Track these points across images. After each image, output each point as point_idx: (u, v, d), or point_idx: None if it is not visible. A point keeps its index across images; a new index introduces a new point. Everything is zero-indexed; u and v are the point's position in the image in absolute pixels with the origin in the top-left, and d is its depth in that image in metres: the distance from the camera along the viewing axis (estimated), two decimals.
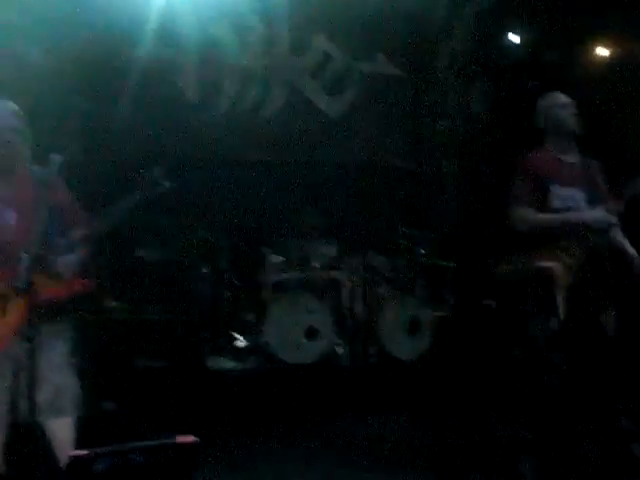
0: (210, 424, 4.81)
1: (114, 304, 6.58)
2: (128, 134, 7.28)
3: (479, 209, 7.38)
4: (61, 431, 3.70)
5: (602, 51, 7.92)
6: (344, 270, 6.87)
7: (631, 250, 4.20)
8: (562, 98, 4.35)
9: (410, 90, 8.34)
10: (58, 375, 3.64)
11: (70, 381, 3.73)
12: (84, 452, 3.37)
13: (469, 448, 4.76)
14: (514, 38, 8.04)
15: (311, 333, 6.41)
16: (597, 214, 4.11)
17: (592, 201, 4.19)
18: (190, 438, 3.31)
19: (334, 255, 6.94)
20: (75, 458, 3.29)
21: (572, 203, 4.15)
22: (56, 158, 3.41)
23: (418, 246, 7.15)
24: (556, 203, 4.13)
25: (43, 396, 3.40)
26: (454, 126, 8.25)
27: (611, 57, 7.89)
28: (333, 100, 8.21)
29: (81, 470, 3.21)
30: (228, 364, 6.47)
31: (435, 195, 8.12)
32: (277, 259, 6.87)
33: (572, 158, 4.30)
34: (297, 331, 6.39)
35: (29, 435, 3.38)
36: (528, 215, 4.16)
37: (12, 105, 3.67)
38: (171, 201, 4.36)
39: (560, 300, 3.91)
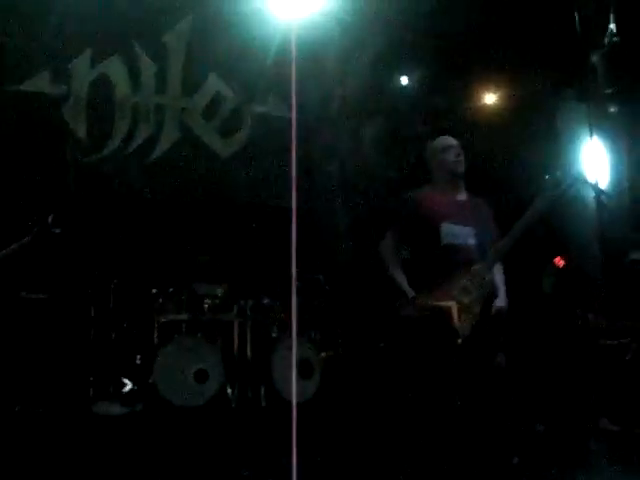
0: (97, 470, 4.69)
1: None
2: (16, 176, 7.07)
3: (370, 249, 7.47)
4: None
5: (491, 95, 8.28)
6: (235, 312, 6.82)
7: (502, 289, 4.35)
8: (448, 140, 4.46)
9: (302, 131, 8.40)
10: None
11: None
12: None
13: None
14: (405, 82, 8.30)
15: (200, 376, 6.33)
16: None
17: (481, 237, 4.27)
18: None
19: (225, 297, 6.88)
20: None
21: (461, 240, 4.21)
22: None
23: (312, 287, 7.20)
24: (446, 239, 4.20)
25: None
26: (345, 167, 8.39)
27: (500, 100, 8.25)
28: (225, 141, 8.22)
29: None
30: (115, 409, 6.30)
31: (328, 236, 8.19)
32: (167, 300, 6.76)
33: (460, 196, 4.40)
34: (186, 374, 6.31)
35: None
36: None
37: None
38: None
39: (457, 340, 3.98)
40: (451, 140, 4.47)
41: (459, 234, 4.21)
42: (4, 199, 6.81)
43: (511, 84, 8.16)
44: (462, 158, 4.38)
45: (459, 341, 3.96)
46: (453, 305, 4.01)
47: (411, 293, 4.13)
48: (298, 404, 6.38)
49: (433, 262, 4.18)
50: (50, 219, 3.69)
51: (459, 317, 4.01)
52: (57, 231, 3.69)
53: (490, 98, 8.35)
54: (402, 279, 4.21)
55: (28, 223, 3.63)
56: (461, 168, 4.38)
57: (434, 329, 4.01)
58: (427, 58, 8.14)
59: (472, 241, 4.23)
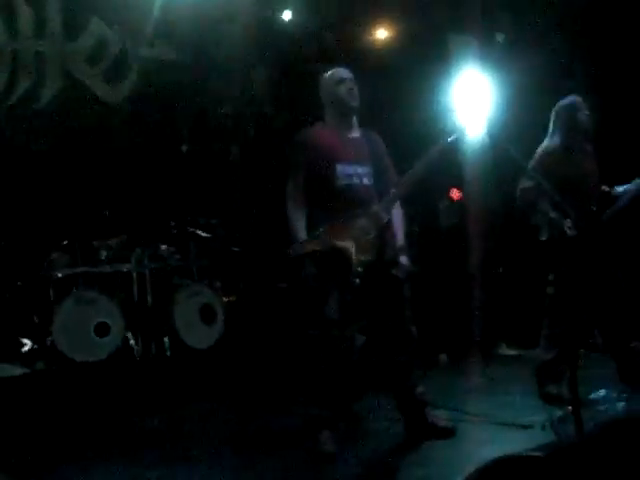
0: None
1: None
2: None
3: (268, 193, 7.43)
4: None
5: (381, 33, 8.24)
6: (133, 262, 6.69)
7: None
8: (341, 73, 4.33)
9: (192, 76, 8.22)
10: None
11: None
12: None
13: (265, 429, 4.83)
14: (289, 17, 8.14)
15: (101, 329, 6.22)
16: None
17: (378, 175, 4.25)
18: None
19: (121, 247, 6.73)
20: None
21: (356, 180, 4.17)
22: None
23: (210, 233, 7.13)
24: (340, 180, 4.15)
25: None
26: (239, 112, 8.27)
27: (392, 35, 8.21)
28: (112, 87, 7.95)
29: None
30: (15, 370, 6.12)
31: (223, 181, 8.09)
32: (61, 255, 6.57)
33: (354, 133, 4.32)
34: (86, 328, 6.18)
35: None
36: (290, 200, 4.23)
37: None
38: None
39: (355, 279, 4.01)
40: (344, 72, 4.34)
41: (354, 174, 4.18)
42: None
43: (403, 18, 8.09)
44: (356, 91, 4.28)
45: (356, 280, 4.00)
46: (351, 244, 4.02)
47: (302, 238, 4.11)
48: (202, 350, 6.51)
49: (330, 204, 4.14)
50: None
51: (357, 256, 4.03)
52: None
53: (382, 33, 8.28)
54: (299, 226, 4.14)
55: None
56: (355, 102, 4.27)
57: (331, 267, 4.03)
58: None
59: (367, 181, 4.21)
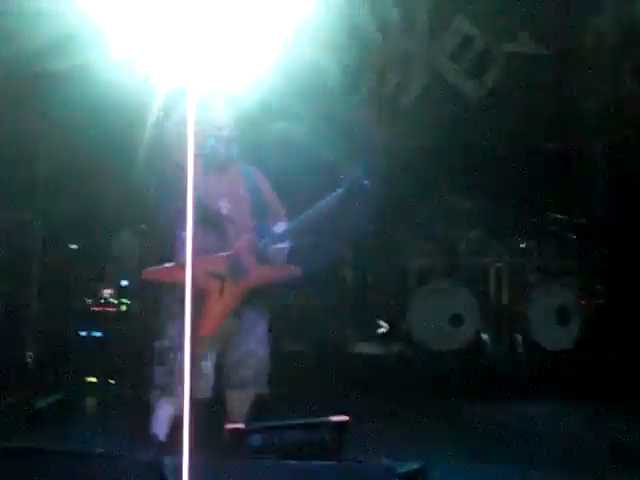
0: None
1: None
2: None
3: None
4: (244, 403, 3.90)
5: None
6: (492, 256, 6.68)
7: None
8: None
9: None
10: (262, 351, 3.93)
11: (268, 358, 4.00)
12: (241, 426, 3.43)
13: None
14: None
15: (456, 320, 6.33)
16: None
17: None
18: (345, 418, 3.36)
19: (482, 241, 6.77)
20: (231, 431, 3.34)
21: None
22: None
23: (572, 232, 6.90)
24: None
25: (246, 371, 3.83)
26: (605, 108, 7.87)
27: None
28: (474, 82, 8.01)
29: (236, 443, 3.26)
30: (371, 349, 6.43)
31: (585, 179, 7.75)
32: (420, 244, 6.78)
33: None
34: (441, 318, 6.33)
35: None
36: None
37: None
38: None
39: None
40: None
41: None
42: None
43: None
44: None
45: None
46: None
47: None
48: (556, 352, 6.29)
49: None
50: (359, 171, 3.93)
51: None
52: (366, 183, 3.90)
53: None
54: None
55: None
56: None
57: None
58: None
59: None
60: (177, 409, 3.57)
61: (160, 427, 3.74)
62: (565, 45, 7.90)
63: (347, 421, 3.46)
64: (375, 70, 7.84)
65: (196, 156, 3.61)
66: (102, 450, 3.38)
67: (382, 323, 6.75)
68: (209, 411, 3.76)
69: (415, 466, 3.47)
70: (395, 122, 7.73)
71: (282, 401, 5.08)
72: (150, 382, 3.85)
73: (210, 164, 3.88)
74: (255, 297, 3.85)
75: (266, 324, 3.99)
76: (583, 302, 6.81)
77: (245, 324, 3.84)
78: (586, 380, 5.79)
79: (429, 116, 7.74)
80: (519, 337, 6.49)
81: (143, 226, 6.12)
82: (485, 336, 6.48)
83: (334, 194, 3.85)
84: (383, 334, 6.65)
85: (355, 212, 4.52)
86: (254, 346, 3.88)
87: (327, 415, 3.43)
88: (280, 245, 3.89)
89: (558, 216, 6.95)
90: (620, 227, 7.06)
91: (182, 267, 3.22)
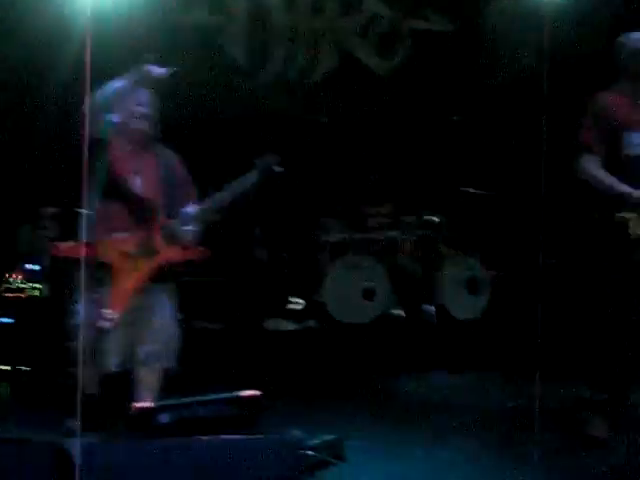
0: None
1: None
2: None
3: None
4: (152, 379, 3.93)
5: None
6: (402, 230, 6.81)
7: None
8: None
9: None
10: (170, 327, 3.96)
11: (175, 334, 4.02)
12: (148, 404, 3.42)
13: None
14: None
15: (368, 294, 6.41)
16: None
17: None
18: (256, 392, 3.38)
19: (391, 215, 6.86)
20: (138, 409, 3.34)
21: None
22: None
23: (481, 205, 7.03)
24: (630, 149, 3.90)
25: (153, 346, 3.83)
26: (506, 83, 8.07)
27: None
28: (384, 59, 8.09)
29: (144, 421, 3.26)
30: (288, 325, 6.47)
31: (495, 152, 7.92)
32: (333, 220, 6.83)
33: None
34: (354, 292, 6.41)
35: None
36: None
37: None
38: None
39: None
40: None
41: None
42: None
43: None
44: None
45: None
46: None
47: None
48: (466, 322, 6.45)
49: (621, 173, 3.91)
50: (271, 159, 4.03)
51: None
52: (278, 170, 4.01)
53: None
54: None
55: None
56: None
57: None
58: None
59: None
60: (87, 386, 3.67)
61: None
62: (470, 21, 8.05)
63: (259, 396, 3.47)
64: (284, 49, 7.87)
65: (116, 133, 3.75)
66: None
67: (296, 299, 6.80)
68: (120, 388, 3.84)
69: (329, 438, 3.53)
70: (304, 100, 7.77)
71: (194, 379, 5.13)
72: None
73: (130, 142, 3.93)
74: (164, 276, 3.88)
75: (174, 302, 4.00)
76: (493, 273, 6.96)
77: (153, 301, 3.87)
78: (496, 349, 5.97)
79: (337, 93, 7.81)
80: (431, 308, 6.63)
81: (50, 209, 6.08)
82: (397, 308, 6.59)
83: (246, 177, 3.93)
84: (297, 310, 6.69)
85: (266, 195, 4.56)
86: (161, 322, 3.90)
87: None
88: (190, 226, 3.91)
89: (467, 189, 7.07)
90: (527, 200, 7.25)
91: (91, 243, 3.41)
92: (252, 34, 7.77)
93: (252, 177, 3.93)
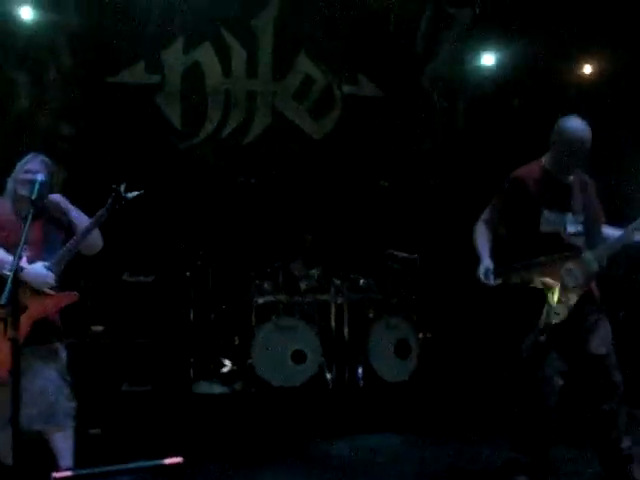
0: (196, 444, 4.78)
1: None
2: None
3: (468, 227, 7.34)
4: (59, 442, 3.90)
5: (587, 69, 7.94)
6: (332, 293, 6.80)
7: None
8: (585, 137, 4.04)
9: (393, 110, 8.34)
10: (53, 389, 3.87)
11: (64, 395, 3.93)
12: (67, 473, 3.32)
13: None
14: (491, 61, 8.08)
15: (298, 356, 6.36)
16: None
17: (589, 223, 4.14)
18: (179, 460, 3.30)
19: (321, 278, 6.86)
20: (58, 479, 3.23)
21: (561, 227, 4.07)
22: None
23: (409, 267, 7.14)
24: (545, 227, 4.05)
25: (32, 409, 3.71)
26: (440, 146, 8.28)
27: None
28: (317, 123, 8.23)
29: None
30: (215, 388, 6.38)
31: (424, 216, 8.07)
32: (264, 282, 6.80)
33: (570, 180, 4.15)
34: (284, 354, 6.36)
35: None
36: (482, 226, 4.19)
37: None
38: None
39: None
40: (587, 136, 4.04)
41: (559, 221, 4.07)
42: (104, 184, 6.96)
43: (608, 53, 7.67)
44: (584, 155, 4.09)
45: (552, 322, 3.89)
46: (556, 285, 3.93)
47: (488, 263, 4.03)
48: (395, 384, 6.47)
49: (532, 249, 4.05)
50: (122, 187, 3.92)
51: (560, 297, 3.92)
52: (130, 196, 3.91)
53: (587, 69, 7.92)
54: (484, 249, 4.09)
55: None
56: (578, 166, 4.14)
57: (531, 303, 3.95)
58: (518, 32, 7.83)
59: (572, 229, 4.08)
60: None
61: None
62: (401, 88, 8.27)
63: (181, 463, 3.40)
64: (219, 109, 7.95)
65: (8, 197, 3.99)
66: None
67: (226, 361, 6.73)
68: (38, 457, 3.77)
69: None
70: (237, 161, 7.83)
71: (118, 444, 5.03)
72: None
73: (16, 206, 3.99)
74: (40, 335, 3.81)
75: (58, 362, 3.94)
76: (421, 336, 7.04)
77: (32, 363, 3.77)
78: (424, 409, 6.00)
79: (271, 155, 7.90)
80: (360, 370, 6.64)
81: None
82: (327, 371, 6.58)
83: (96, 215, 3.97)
84: (226, 372, 6.62)
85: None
86: (42, 385, 3.83)
87: (163, 457, 3.38)
88: (43, 273, 3.83)
89: (396, 252, 7.18)
90: (454, 263, 7.40)
91: None
92: (186, 95, 7.85)
93: (102, 212, 3.95)
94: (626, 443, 3.99)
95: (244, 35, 7.94)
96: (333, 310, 6.75)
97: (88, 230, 3.95)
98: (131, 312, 6.66)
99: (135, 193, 3.99)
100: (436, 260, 7.45)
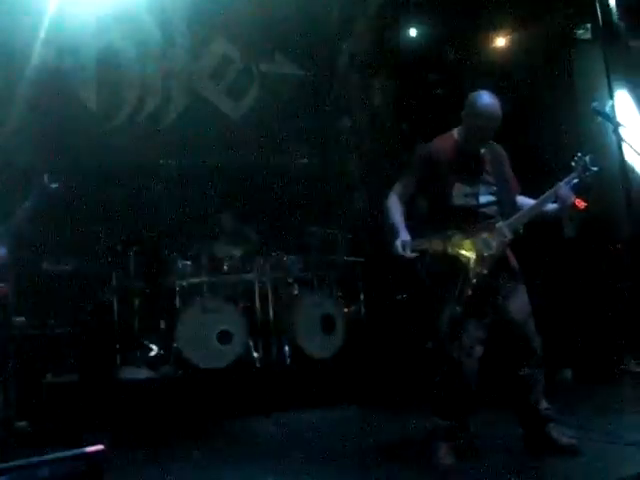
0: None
1: None
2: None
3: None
4: None
5: (501, 39, 8.03)
6: (256, 272, 6.79)
7: None
8: (494, 113, 4.12)
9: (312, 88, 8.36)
10: None
11: None
12: None
13: None
14: (414, 34, 8.13)
15: (224, 337, 6.34)
16: None
17: (502, 192, 4.21)
18: (100, 447, 3.29)
19: (245, 257, 6.87)
20: None
21: (473, 199, 4.16)
22: None
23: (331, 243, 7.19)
24: (456, 199, 4.14)
25: None
26: (356, 122, 8.33)
27: (512, 44, 7.99)
28: (235, 103, 8.20)
29: None
30: (141, 374, 6.32)
31: (342, 193, 8.13)
32: (187, 264, 6.76)
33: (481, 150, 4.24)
34: (210, 336, 6.33)
35: None
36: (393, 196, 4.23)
37: None
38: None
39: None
40: (496, 112, 4.11)
41: (471, 193, 4.16)
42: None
43: (523, 26, 7.82)
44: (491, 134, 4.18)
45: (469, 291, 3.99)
46: (472, 254, 4.03)
47: (404, 235, 4.09)
48: (322, 360, 6.54)
49: (444, 221, 4.14)
50: (46, 177, 3.89)
51: (474, 267, 4.03)
52: (54, 186, 3.88)
53: (501, 42, 8.05)
54: (401, 224, 4.14)
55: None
56: (484, 144, 4.22)
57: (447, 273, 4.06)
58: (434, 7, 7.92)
59: (484, 199, 4.18)
60: None
61: None
62: (319, 65, 8.29)
63: (103, 450, 3.38)
64: (134, 93, 7.84)
65: None
66: None
67: (152, 346, 6.69)
68: None
69: None
70: (155, 143, 7.74)
71: (45, 436, 4.98)
72: None
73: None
74: None
75: None
76: (346, 310, 7.12)
77: None
78: (352, 384, 6.09)
79: (190, 136, 7.83)
80: (287, 348, 6.69)
81: None
82: (253, 350, 6.61)
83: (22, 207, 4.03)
84: (153, 357, 6.58)
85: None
86: None
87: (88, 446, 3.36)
88: None
89: (318, 228, 7.23)
90: (376, 238, 7.49)
91: None
92: (102, 79, 7.72)
93: (27, 203, 4.02)
94: (544, 405, 4.14)
95: (159, 16, 7.84)
96: (257, 289, 6.75)
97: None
98: (52, 301, 6.56)
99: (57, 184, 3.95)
100: (358, 235, 7.55)
